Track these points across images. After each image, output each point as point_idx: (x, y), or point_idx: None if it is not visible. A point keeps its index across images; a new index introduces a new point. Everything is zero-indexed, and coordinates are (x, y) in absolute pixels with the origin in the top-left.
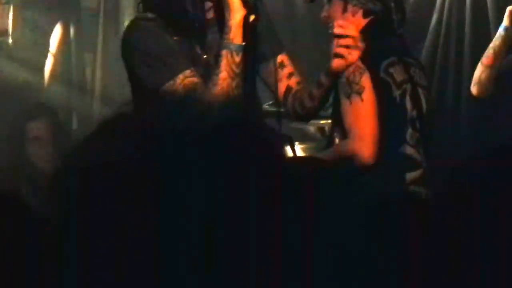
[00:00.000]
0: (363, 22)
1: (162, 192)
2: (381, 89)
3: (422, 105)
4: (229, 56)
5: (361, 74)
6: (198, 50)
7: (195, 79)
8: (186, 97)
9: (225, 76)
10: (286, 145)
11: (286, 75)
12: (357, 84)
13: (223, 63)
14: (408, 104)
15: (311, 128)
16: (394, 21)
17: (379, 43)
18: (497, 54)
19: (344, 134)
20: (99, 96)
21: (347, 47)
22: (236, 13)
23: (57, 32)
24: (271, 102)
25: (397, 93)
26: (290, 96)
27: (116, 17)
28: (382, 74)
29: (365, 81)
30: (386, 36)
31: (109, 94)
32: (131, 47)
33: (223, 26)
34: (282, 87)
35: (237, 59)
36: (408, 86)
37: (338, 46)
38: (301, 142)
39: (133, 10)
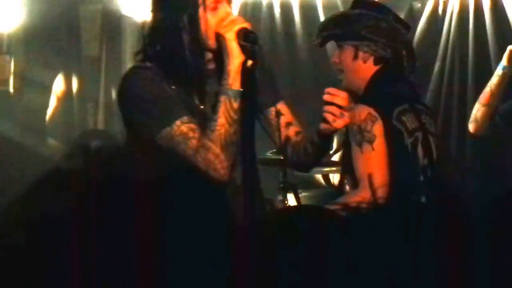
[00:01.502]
0: (374, 69)
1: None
2: (393, 137)
3: (433, 153)
4: (227, 102)
5: (373, 122)
6: (196, 100)
7: (192, 125)
8: (182, 143)
9: (223, 122)
10: (290, 192)
11: (284, 125)
12: (369, 132)
13: (222, 109)
14: (420, 152)
15: (316, 175)
16: (405, 68)
17: (391, 90)
18: (494, 93)
19: (355, 183)
20: None
21: (333, 114)
22: (235, 59)
23: (58, 82)
24: (274, 150)
25: (409, 141)
26: (289, 146)
27: (117, 66)
28: (394, 122)
29: (377, 129)
30: (397, 83)
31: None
32: (128, 95)
33: (222, 73)
34: (281, 136)
35: (235, 105)
36: (419, 134)
37: (325, 112)
38: (305, 189)
39: (136, 57)
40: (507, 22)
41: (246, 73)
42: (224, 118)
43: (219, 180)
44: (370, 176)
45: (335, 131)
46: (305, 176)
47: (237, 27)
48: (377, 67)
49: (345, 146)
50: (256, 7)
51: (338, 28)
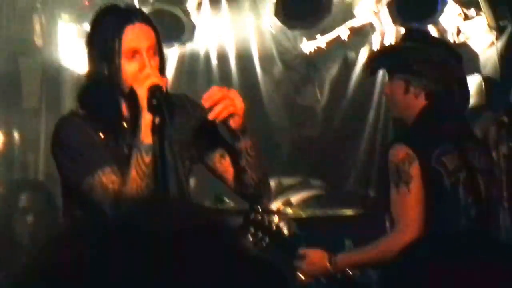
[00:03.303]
0: (423, 103)
1: None
2: (431, 178)
3: (481, 191)
4: (138, 156)
5: (410, 163)
6: (125, 149)
7: (112, 177)
8: (101, 194)
9: (134, 175)
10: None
11: (229, 164)
12: (406, 173)
13: (134, 163)
14: (462, 193)
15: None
16: (456, 105)
17: (437, 128)
18: None
19: (392, 221)
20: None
21: (225, 106)
22: (146, 115)
23: None
24: (213, 199)
25: (448, 182)
26: (240, 181)
27: (57, 115)
28: (433, 164)
29: (414, 170)
30: (446, 120)
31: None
32: (57, 142)
33: (135, 126)
34: (229, 176)
35: (147, 159)
36: (462, 174)
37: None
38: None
39: (75, 107)
40: None
41: (156, 130)
42: (135, 172)
43: None
44: (404, 217)
45: (243, 118)
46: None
47: (148, 83)
48: (427, 102)
49: (382, 183)
50: (194, 59)
51: (389, 59)
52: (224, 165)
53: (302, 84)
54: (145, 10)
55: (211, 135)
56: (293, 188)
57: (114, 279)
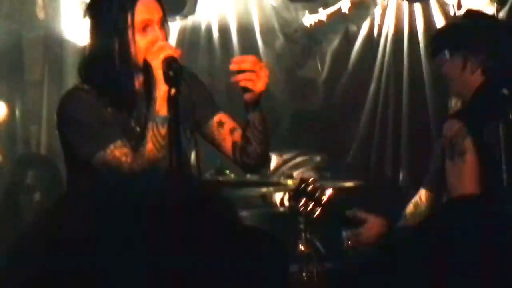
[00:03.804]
0: (480, 80)
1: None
2: (484, 153)
3: None
4: (154, 128)
5: (463, 137)
6: (132, 123)
7: (125, 150)
8: (115, 167)
9: (151, 147)
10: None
11: (228, 132)
12: (460, 145)
13: (149, 135)
14: (504, 167)
15: (254, 195)
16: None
17: (491, 103)
18: None
19: (449, 193)
20: None
21: (249, 79)
22: (161, 86)
23: (1, 106)
24: (213, 171)
25: (497, 155)
26: (238, 150)
27: (60, 88)
28: (485, 138)
29: (467, 144)
30: (500, 96)
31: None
32: (64, 117)
33: (150, 98)
34: (228, 145)
35: (163, 131)
36: (505, 149)
37: (241, 83)
38: (243, 209)
39: (77, 80)
40: None
41: (171, 101)
42: (152, 144)
43: None
44: (459, 188)
45: (259, 95)
46: (243, 196)
47: (163, 55)
48: (483, 78)
49: (442, 159)
50: (195, 32)
51: (449, 37)
52: (222, 133)
53: (303, 57)
54: None
55: (209, 104)
56: (294, 161)
57: (115, 247)
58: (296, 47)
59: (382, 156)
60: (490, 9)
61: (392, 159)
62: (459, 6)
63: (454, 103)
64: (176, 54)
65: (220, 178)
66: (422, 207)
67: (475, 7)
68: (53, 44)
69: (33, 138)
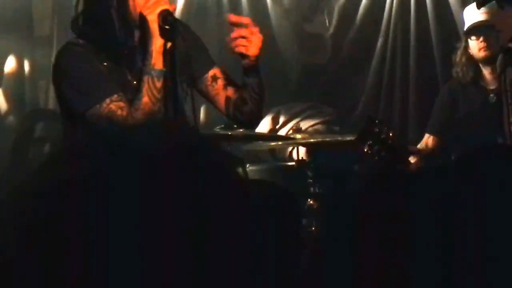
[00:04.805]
0: None
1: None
2: None
3: None
4: (150, 81)
5: None
6: (128, 76)
7: (121, 103)
8: (110, 120)
9: (146, 101)
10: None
11: (221, 87)
12: None
13: (145, 88)
14: None
15: (262, 149)
16: None
17: None
18: None
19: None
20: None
21: (244, 37)
22: (157, 40)
23: (10, 61)
24: (222, 126)
25: None
26: (231, 105)
27: None
28: None
29: None
30: None
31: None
32: (60, 71)
33: (145, 51)
34: (221, 99)
35: (158, 84)
36: None
37: (236, 39)
38: (252, 163)
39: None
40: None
41: (167, 54)
42: (147, 97)
43: None
44: None
45: (255, 60)
46: (251, 150)
47: (159, 9)
48: None
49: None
50: None
51: None
52: (216, 88)
53: (311, 12)
54: None
55: (203, 59)
56: (302, 114)
57: (110, 196)
58: (304, 2)
59: (390, 109)
60: None
61: (400, 111)
62: None
63: (459, 57)
64: (171, 8)
65: (229, 132)
66: (428, 153)
67: None
68: (62, 0)
69: (42, 93)
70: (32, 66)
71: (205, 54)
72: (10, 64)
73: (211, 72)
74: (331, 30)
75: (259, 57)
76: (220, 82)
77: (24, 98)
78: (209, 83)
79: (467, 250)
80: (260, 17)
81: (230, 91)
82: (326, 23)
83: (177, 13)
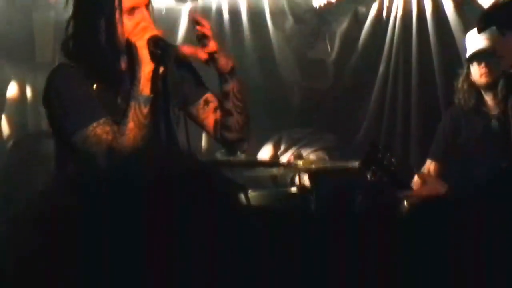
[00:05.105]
0: None
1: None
2: None
3: None
4: (136, 107)
5: None
6: (118, 99)
7: (107, 128)
8: (96, 144)
9: (132, 126)
10: (240, 193)
11: (212, 110)
12: None
13: (131, 114)
14: None
15: (265, 175)
16: None
17: None
18: None
19: None
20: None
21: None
22: (146, 66)
23: (12, 87)
24: (222, 151)
25: None
26: (219, 126)
27: None
28: None
29: None
30: None
31: None
32: (51, 93)
33: (133, 77)
34: (210, 122)
35: (145, 110)
36: None
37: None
38: (254, 189)
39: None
40: (448, 25)
41: (159, 79)
42: (133, 122)
43: None
44: None
45: (226, 63)
46: (253, 176)
47: (147, 35)
48: None
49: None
50: (205, 13)
51: (501, 15)
52: (207, 111)
53: (313, 38)
54: None
55: (197, 85)
56: (303, 141)
57: (105, 229)
58: (306, 28)
59: (392, 136)
60: None
61: (402, 138)
62: None
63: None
64: (159, 33)
65: (231, 158)
66: (430, 179)
67: None
68: (63, 27)
69: (44, 119)
70: (34, 91)
71: (198, 79)
72: (13, 89)
73: (204, 97)
74: (333, 55)
75: (234, 60)
76: (211, 106)
77: (26, 123)
78: (200, 106)
79: None
80: (262, 42)
81: (219, 113)
82: (328, 48)
83: (179, 39)
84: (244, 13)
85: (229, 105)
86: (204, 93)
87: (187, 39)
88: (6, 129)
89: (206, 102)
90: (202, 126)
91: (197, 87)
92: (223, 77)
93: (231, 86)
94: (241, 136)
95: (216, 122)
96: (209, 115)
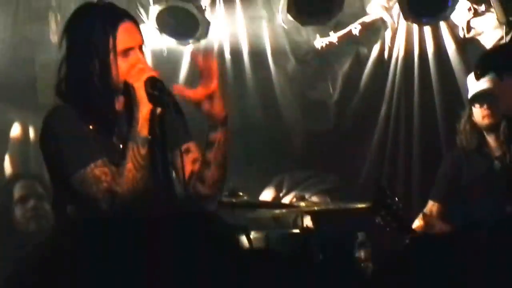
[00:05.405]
0: None
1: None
2: None
3: None
4: (135, 148)
5: None
6: (114, 139)
7: (105, 169)
8: (94, 185)
9: (130, 167)
10: (242, 235)
11: (190, 161)
12: None
13: (129, 155)
14: None
15: (267, 217)
16: None
17: None
18: None
19: None
20: None
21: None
22: (144, 107)
23: (15, 128)
24: (226, 193)
25: None
26: (194, 179)
27: None
28: None
29: None
30: None
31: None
32: (47, 135)
33: (131, 118)
34: (186, 172)
35: (143, 151)
36: None
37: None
38: (256, 230)
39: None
40: (450, 65)
41: (157, 119)
42: (131, 163)
43: None
44: None
45: (218, 109)
46: (255, 218)
47: (145, 76)
48: None
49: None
50: (207, 53)
51: (499, 59)
52: (184, 160)
53: (315, 79)
54: (160, 7)
55: (181, 132)
56: (306, 182)
57: (108, 271)
58: (308, 69)
59: (394, 177)
60: (498, 32)
61: (403, 179)
62: (468, 29)
63: (463, 125)
64: (156, 75)
65: (233, 200)
66: (432, 221)
67: (483, 29)
68: None
69: None
70: (36, 132)
71: (184, 125)
72: (16, 130)
73: (185, 145)
74: (335, 96)
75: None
76: (191, 156)
77: (29, 163)
78: (180, 153)
79: None
80: (263, 83)
81: (197, 166)
82: (329, 89)
83: (181, 80)
84: (245, 54)
85: (210, 156)
86: (187, 141)
87: (189, 81)
88: (8, 169)
89: (186, 151)
90: (175, 172)
91: (181, 132)
92: (213, 124)
93: (218, 135)
94: (213, 193)
95: (192, 173)
96: (186, 165)
